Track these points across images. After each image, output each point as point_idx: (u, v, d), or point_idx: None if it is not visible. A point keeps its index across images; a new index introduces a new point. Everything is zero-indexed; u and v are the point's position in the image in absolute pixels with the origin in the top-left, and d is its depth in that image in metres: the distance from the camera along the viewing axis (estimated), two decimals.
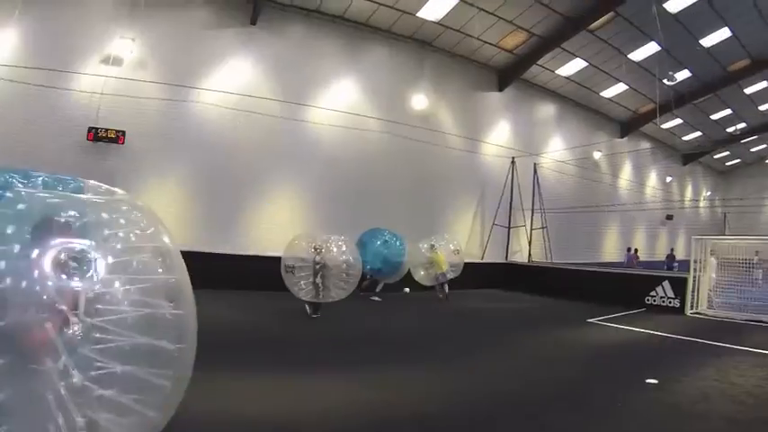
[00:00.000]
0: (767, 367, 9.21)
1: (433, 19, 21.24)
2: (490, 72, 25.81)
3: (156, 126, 16.97)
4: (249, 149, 18.60)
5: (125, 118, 16.28)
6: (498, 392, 7.31)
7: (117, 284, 3.05)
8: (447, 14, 20.93)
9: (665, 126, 34.47)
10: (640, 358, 10.11)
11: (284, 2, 19.43)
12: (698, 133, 37.94)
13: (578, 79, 27.81)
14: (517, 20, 21.81)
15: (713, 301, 17.93)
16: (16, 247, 2.76)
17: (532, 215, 25.72)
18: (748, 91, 31.14)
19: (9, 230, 2.80)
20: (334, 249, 13.19)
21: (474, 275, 20.21)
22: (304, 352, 9.33)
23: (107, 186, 3.81)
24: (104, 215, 3.33)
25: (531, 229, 25.70)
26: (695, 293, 17.72)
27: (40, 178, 3.41)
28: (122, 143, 16.13)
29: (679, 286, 17.88)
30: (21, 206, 2.98)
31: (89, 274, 2.93)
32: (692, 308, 17.47)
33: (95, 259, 2.98)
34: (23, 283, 2.70)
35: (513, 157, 25.41)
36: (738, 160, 46.93)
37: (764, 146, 43.10)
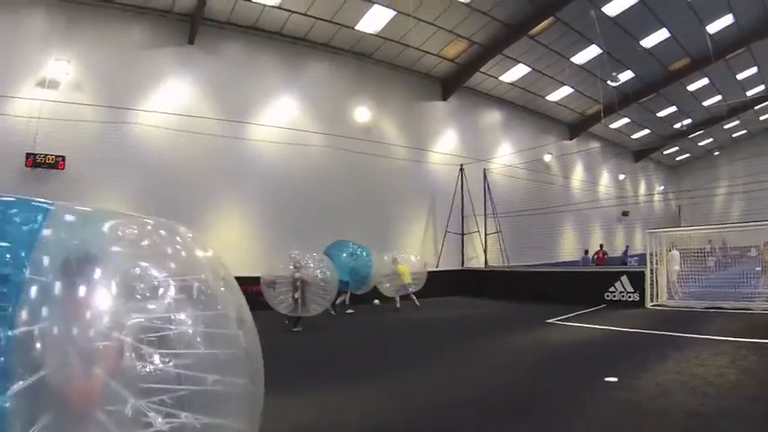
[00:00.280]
0: (727, 354, 9.15)
1: (371, 31, 21.17)
2: (433, 82, 25.86)
3: (97, 150, 16.40)
4: (191, 170, 18.18)
5: (64, 142, 15.75)
6: (449, 403, 7.03)
7: (183, 317, 2.67)
8: (385, 26, 20.87)
9: (613, 126, 35.08)
10: (600, 356, 9.93)
11: (221, 20, 19.13)
12: (646, 131, 38.70)
13: (523, 84, 28.02)
14: (457, 29, 21.82)
15: (678, 292, 18.09)
16: (57, 280, 2.35)
17: (485, 220, 25.72)
18: (691, 88, 31.83)
19: (46, 260, 2.39)
20: (312, 265, 13.88)
21: (430, 284, 19.92)
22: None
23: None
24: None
25: (486, 235, 25.71)
26: (654, 286, 17.74)
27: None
28: (62, 168, 15.59)
29: (637, 280, 17.83)
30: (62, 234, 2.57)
31: (150, 307, 2.57)
32: (651, 300, 17.44)
33: (159, 288, 2.63)
34: (67, 324, 2.28)
35: (462, 165, 25.39)
36: (687, 155, 48.05)
37: (711, 140, 44.19)
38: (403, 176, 24.00)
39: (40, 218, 2.55)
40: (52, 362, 2.16)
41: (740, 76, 31.08)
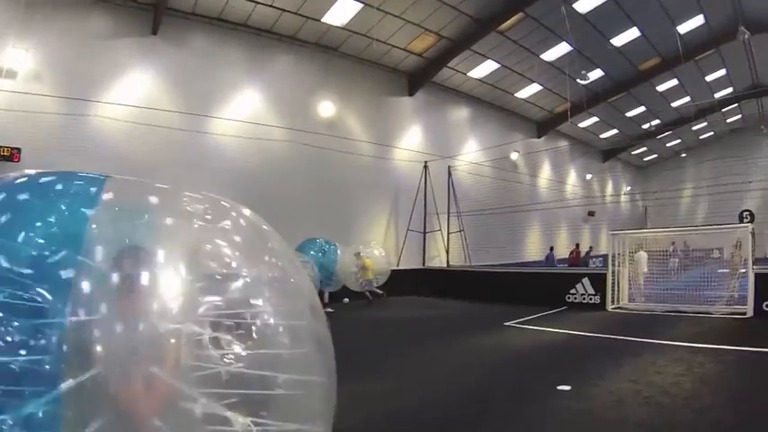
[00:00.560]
0: (684, 361, 8.97)
1: (338, 24, 20.68)
2: (400, 76, 25.46)
3: (54, 141, 15.74)
4: (151, 163, 17.43)
5: (20, 134, 15.06)
6: (389, 411, 6.74)
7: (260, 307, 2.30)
8: (352, 19, 20.38)
9: (582, 125, 35.12)
10: (555, 362, 9.65)
11: (185, 10, 18.50)
12: (615, 130, 38.79)
13: (491, 81, 27.71)
14: (425, 22, 21.42)
15: (643, 295, 17.92)
16: (113, 265, 1.99)
17: (448, 219, 25.40)
18: (660, 88, 31.97)
19: (102, 241, 2.04)
20: None
21: (391, 282, 19.68)
22: None
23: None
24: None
25: (449, 233, 25.40)
26: (615, 288, 17.61)
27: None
28: (17, 161, 14.92)
29: (599, 282, 17.67)
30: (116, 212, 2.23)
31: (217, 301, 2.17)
32: (612, 303, 17.30)
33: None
34: (125, 315, 1.93)
35: (426, 162, 25.04)
36: (655, 155, 48.42)
37: (679, 141, 44.58)
38: (367, 172, 23.62)
39: (94, 192, 2.25)
40: (107, 358, 1.85)
41: (709, 78, 31.37)
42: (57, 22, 16.12)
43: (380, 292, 19.38)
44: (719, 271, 18.02)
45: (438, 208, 25.16)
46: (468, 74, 26.53)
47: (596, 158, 42.56)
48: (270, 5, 19.02)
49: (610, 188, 45.03)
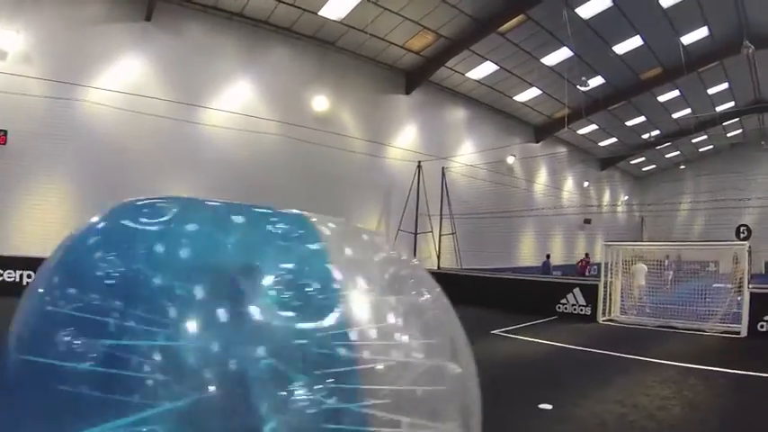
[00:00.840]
0: (673, 382, 8.59)
1: (335, 18, 20.36)
2: (397, 74, 25.15)
3: (42, 125, 15.69)
4: (140, 151, 17.53)
5: (7, 116, 15.05)
6: None
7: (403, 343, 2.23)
8: (350, 13, 20.07)
9: (581, 131, 34.83)
10: (539, 377, 9.28)
11: None
12: (614, 139, 38.60)
13: (490, 83, 27.39)
14: (424, 20, 21.09)
15: (637, 308, 17.49)
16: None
17: (441, 220, 25.12)
18: (661, 99, 31.65)
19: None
20: None
21: None
22: None
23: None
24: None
25: (440, 235, 25.06)
26: (607, 300, 17.14)
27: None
28: (4, 143, 15.00)
29: (590, 293, 17.20)
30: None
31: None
32: (603, 315, 16.85)
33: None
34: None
35: (420, 162, 24.66)
36: (654, 166, 48.30)
37: (677, 152, 44.39)
38: (359, 170, 23.36)
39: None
40: (213, 383, 1.84)
41: (711, 91, 31.11)
42: (49, 4, 15.98)
43: None
44: (715, 285, 17.66)
45: (430, 209, 24.85)
46: (467, 74, 26.21)
47: (594, 166, 42.37)
48: None
49: (607, 197, 44.85)
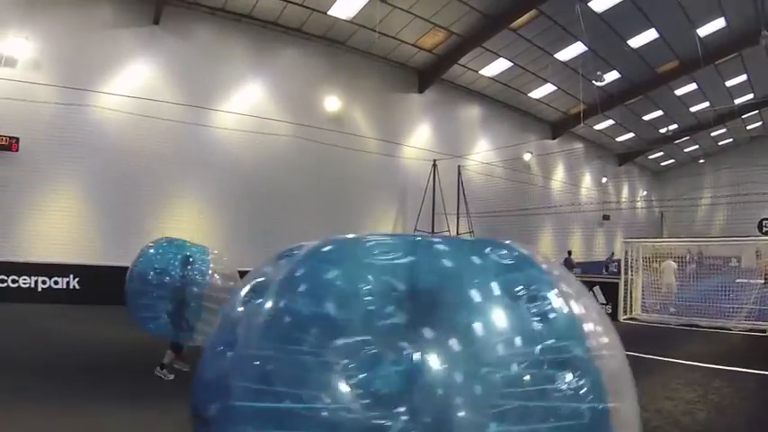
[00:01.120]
0: (699, 385, 8.32)
1: (345, 17, 20.23)
2: (409, 73, 24.95)
3: (54, 131, 15.79)
4: (151, 155, 17.56)
5: (19, 123, 15.09)
6: None
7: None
8: (359, 12, 19.92)
9: (597, 127, 34.41)
10: None
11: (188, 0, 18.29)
12: (631, 134, 38.11)
13: (504, 80, 27.12)
14: (434, 18, 20.87)
15: (663, 307, 17.01)
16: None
17: (458, 219, 24.91)
18: (678, 92, 31.19)
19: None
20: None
21: None
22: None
23: None
24: None
25: (458, 234, 24.72)
26: (628, 298, 16.86)
27: None
28: (16, 150, 15.02)
29: (611, 291, 16.87)
30: None
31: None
32: (624, 313, 16.55)
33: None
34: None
35: (435, 160, 24.46)
36: (672, 160, 47.73)
37: (696, 146, 43.82)
38: (373, 170, 23.21)
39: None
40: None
41: (729, 83, 30.54)
42: (57, 11, 16.01)
43: None
44: (738, 281, 17.23)
45: (447, 208, 24.62)
46: (480, 72, 25.94)
47: (612, 162, 41.89)
48: None
49: (625, 192, 44.30)
